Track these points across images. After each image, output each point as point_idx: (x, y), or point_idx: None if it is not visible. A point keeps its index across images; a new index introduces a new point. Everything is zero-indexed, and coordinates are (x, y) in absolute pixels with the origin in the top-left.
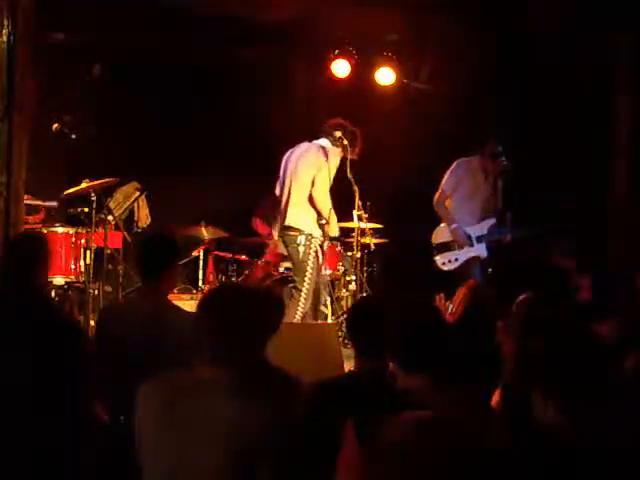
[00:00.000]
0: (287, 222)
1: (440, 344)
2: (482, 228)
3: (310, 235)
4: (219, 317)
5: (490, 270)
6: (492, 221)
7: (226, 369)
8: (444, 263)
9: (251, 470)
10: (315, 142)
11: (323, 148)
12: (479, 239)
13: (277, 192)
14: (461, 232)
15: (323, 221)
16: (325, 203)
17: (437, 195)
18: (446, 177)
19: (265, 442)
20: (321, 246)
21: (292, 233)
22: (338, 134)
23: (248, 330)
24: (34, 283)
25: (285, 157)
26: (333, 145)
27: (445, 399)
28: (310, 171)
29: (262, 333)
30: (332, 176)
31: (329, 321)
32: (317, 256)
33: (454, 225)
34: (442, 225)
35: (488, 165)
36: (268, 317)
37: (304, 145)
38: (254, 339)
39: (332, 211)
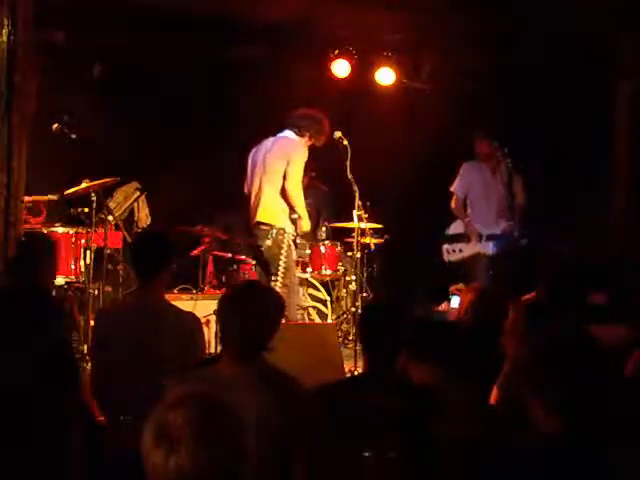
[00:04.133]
0: (258, 218)
1: (451, 339)
2: (495, 228)
3: (282, 229)
4: (247, 317)
5: (491, 271)
6: (507, 223)
7: (247, 367)
8: (448, 252)
9: (279, 465)
10: (280, 135)
11: (291, 140)
12: (489, 237)
13: (246, 191)
14: (474, 227)
15: (295, 215)
16: (298, 196)
17: (453, 200)
18: (456, 181)
19: (286, 439)
20: (294, 242)
21: (264, 228)
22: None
23: (271, 330)
24: (39, 282)
25: (251, 154)
26: (298, 136)
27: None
28: (280, 166)
29: (273, 334)
30: (303, 167)
31: (329, 321)
32: (291, 251)
33: (467, 219)
34: (458, 220)
35: (479, 149)
36: (281, 319)
37: (269, 141)
38: (268, 339)
39: (304, 207)
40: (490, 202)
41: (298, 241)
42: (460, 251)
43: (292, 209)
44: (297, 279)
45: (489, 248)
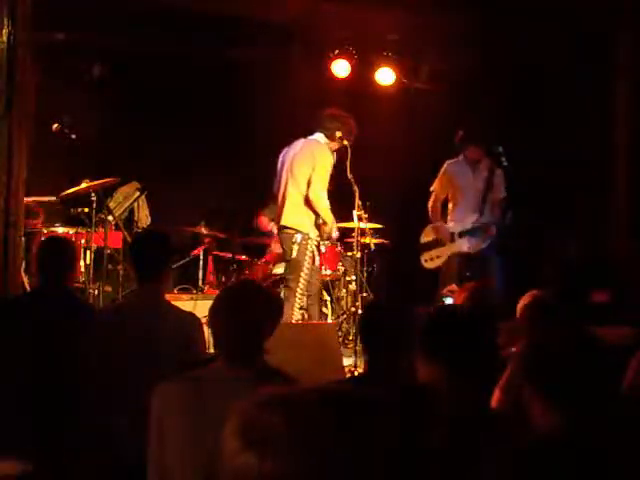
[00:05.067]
0: (283, 222)
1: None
2: (465, 224)
3: (307, 235)
4: (243, 316)
5: (468, 273)
6: (476, 215)
7: (244, 368)
8: (426, 261)
9: None
10: (310, 138)
11: (319, 145)
12: (461, 234)
13: (275, 190)
14: (444, 229)
15: (321, 221)
16: (322, 203)
17: (431, 200)
18: (436, 181)
19: None
20: (318, 247)
21: (288, 232)
22: (338, 134)
23: (265, 330)
24: (66, 282)
25: (282, 155)
26: (329, 139)
27: (452, 394)
28: (306, 171)
29: (270, 333)
30: (329, 172)
31: (329, 321)
32: (313, 257)
33: (437, 223)
34: (428, 226)
35: (470, 155)
36: (279, 318)
37: (299, 142)
38: (265, 339)
39: (330, 212)
40: (468, 199)
41: (322, 249)
42: (437, 257)
43: (317, 215)
44: (320, 287)
45: (464, 245)
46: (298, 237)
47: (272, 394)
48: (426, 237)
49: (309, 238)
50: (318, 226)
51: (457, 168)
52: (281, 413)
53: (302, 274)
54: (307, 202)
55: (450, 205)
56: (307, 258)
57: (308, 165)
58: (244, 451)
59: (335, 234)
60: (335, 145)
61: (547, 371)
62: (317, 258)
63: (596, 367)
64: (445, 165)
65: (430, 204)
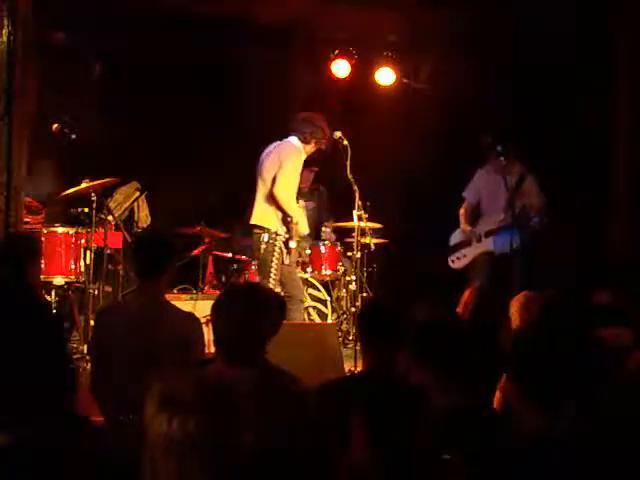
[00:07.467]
0: (252, 221)
1: (454, 343)
2: (490, 223)
3: (275, 233)
4: (243, 316)
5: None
6: (502, 217)
7: (243, 367)
8: (453, 261)
9: (279, 464)
10: (284, 140)
11: (290, 146)
12: (487, 234)
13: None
14: (470, 231)
15: (289, 219)
16: (288, 201)
17: (463, 206)
18: (468, 187)
19: (288, 441)
20: (286, 244)
21: (257, 231)
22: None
23: (266, 330)
24: (25, 282)
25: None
26: (303, 142)
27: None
28: (272, 169)
29: (272, 334)
30: (298, 173)
31: (329, 321)
32: (282, 254)
33: (465, 227)
34: (457, 229)
35: (496, 162)
36: (280, 318)
37: (274, 144)
38: (267, 339)
39: (299, 209)
40: (496, 203)
41: (292, 245)
42: (464, 256)
43: (285, 213)
44: (300, 287)
45: (490, 244)
46: (265, 236)
47: (187, 370)
48: (455, 239)
49: (277, 235)
50: (286, 223)
51: (486, 175)
52: (191, 383)
53: (271, 274)
54: (272, 199)
55: (483, 211)
56: (275, 256)
57: (275, 164)
58: (158, 414)
59: (306, 231)
60: (310, 148)
61: (528, 373)
62: (285, 256)
63: (580, 368)
64: (477, 173)
65: (461, 211)
